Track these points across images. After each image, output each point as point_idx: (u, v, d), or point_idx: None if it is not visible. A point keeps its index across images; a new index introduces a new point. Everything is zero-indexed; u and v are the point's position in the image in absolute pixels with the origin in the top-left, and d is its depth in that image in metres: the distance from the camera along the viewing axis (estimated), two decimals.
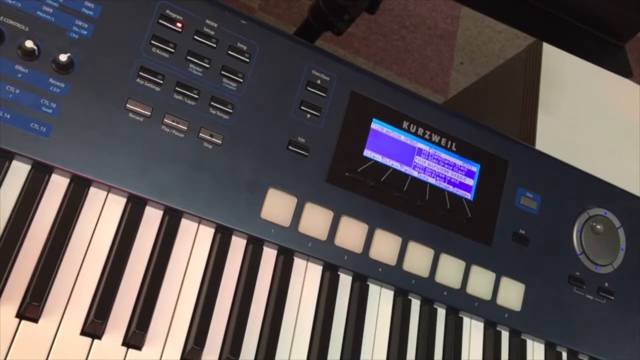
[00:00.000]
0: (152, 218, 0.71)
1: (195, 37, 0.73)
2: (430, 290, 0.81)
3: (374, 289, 0.80)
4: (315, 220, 0.76)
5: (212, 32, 0.74)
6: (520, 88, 1.21)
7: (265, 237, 0.74)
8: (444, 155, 0.84)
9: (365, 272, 0.78)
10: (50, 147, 0.66)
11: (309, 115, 0.78)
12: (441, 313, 0.83)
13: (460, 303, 0.82)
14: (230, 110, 0.74)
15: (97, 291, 0.65)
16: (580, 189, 0.91)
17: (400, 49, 1.97)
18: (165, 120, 0.71)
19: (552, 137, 1.12)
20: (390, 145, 0.81)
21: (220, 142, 0.73)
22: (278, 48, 0.77)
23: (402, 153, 0.82)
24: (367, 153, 0.80)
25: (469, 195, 0.85)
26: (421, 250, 0.81)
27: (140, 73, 0.70)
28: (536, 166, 0.89)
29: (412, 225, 0.81)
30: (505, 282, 0.84)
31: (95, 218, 0.68)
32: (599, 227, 0.90)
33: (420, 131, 0.83)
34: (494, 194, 0.86)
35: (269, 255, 0.75)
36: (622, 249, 0.92)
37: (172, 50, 0.72)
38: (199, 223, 0.73)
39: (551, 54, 1.21)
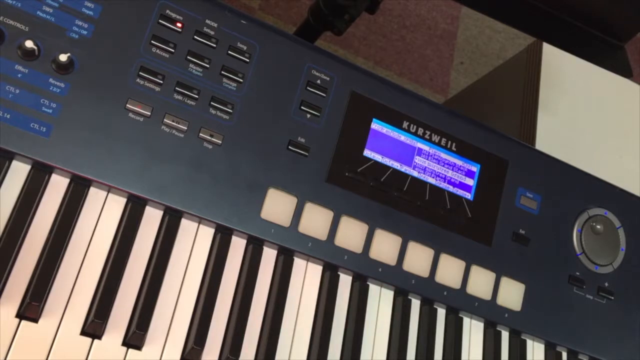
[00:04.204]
0: (152, 218, 0.71)
1: (195, 37, 0.73)
2: (430, 290, 0.81)
3: (374, 289, 0.80)
4: (315, 220, 0.76)
5: (212, 32, 0.74)
6: (520, 88, 1.21)
7: (265, 237, 0.74)
8: (444, 155, 0.84)
9: (365, 272, 0.78)
10: (50, 147, 0.66)
11: (309, 115, 0.78)
12: (441, 313, 0.83)
13: (460, 303, 0.82)
14: (230, 110, 0.74)
15: (97, 291, 0.65)
16: (580, 189, 0.91)
17: (400, 49, 1.97)
18: (165, 120, 0.71)
19: (552, 137, 1.12)
20: (390, 145, 0.81)
21: (220, 142, 0.73)
22: (278, 48, 0.77)
23: (402, 153, 0.82)
24: (367, 153, 0.80)
25: (469, 195, 0.85)
26: (421, 250, 0.81)
27: (140, 73, 0.70)
28: (536, 166, 0.89)
29: (412, 225, 0.81)
30: (505, 282, 0.84)
31: (95, 218, 0.68)
32: (599, 227, 0.90)
33: (420, 131, 0.83)
34: (494, 194, 0.86)
35: (269, 255, 0.75)
36: (622, 249, 0.92)
37: (172, 50, 0.72)
38: (199, 223, 0.73)
39: (551, 54, 1.21)
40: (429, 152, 0.83)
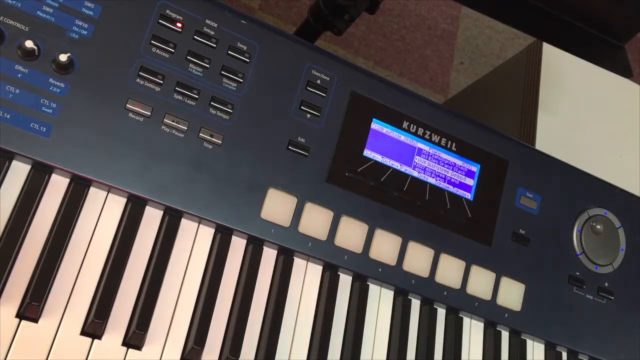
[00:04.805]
0: (152, 218, 0.71)
1: (195, 37, 0.73)
2: (430, 290, 0.81)
3: (374, 289, 0.80)
4: (315, 220, 0.76)
5: (212, 32, 0.74)
6: (520, 88, 1.21)
7: (265, 237, 0.74)
8: (444, 155, 0.84)
9: (365, 272, 0.78)
10: (50, 147, 0.66)
11: (309, 115, 0.78)
12: (441, 313, 0.83)
13: (460, 303, 0.82)
14: (230, 110, 0.74)
15: (97, 291, 0.65)
16: (580, 189, 0.91)
17: (400, 49, 1.97)
18: (165, 120, 0.71)
19: (552, 137, 1.12)
20: (390, 145, 0.81)
21: (220, 142, 0.73)
22: (278, 48, 0.77)
23: (402, 153, 0.82)
24: (367, 153, 0.80)
25: (469, 195, 0.85)
26: (421, 250, 0.81)
27: (140, 73, 0.70)
28: (536, 166, 0.89)
29: (412, 225, 0.81)
30: (505, 282, 0.84)
31: (95, 218, 0.68)
32: (599, 227, 0.90)
33: (420, 131, 0.83)
34: (494, 194, 0.86)
35: (269, 255, 0.75)
36: (622, 249, 0.92)
37: (172, 50, 0.72)
38: (199, 223, 0.73)
39: (551, 54, 1.21)
40: (429, 152, 0.83)
